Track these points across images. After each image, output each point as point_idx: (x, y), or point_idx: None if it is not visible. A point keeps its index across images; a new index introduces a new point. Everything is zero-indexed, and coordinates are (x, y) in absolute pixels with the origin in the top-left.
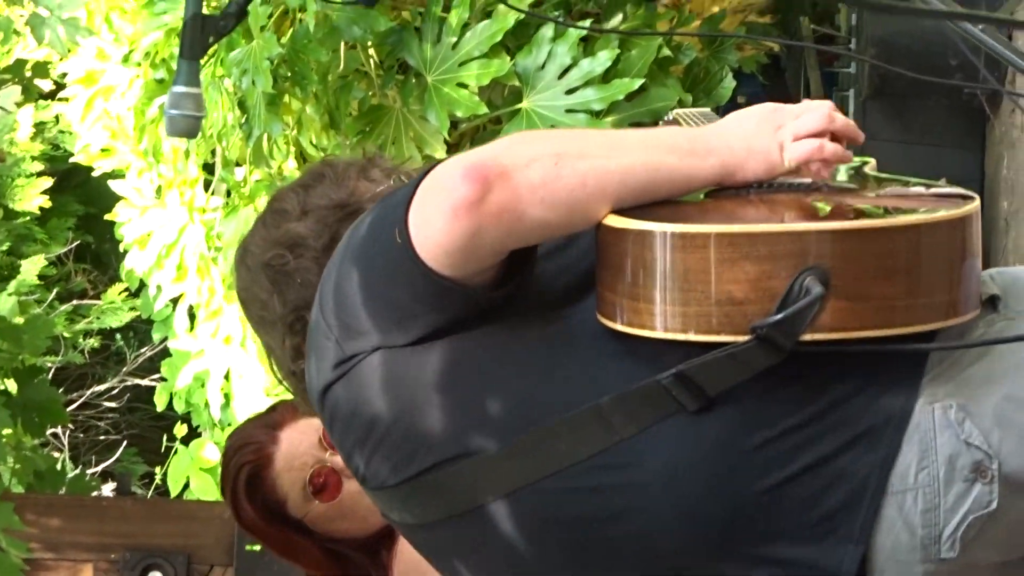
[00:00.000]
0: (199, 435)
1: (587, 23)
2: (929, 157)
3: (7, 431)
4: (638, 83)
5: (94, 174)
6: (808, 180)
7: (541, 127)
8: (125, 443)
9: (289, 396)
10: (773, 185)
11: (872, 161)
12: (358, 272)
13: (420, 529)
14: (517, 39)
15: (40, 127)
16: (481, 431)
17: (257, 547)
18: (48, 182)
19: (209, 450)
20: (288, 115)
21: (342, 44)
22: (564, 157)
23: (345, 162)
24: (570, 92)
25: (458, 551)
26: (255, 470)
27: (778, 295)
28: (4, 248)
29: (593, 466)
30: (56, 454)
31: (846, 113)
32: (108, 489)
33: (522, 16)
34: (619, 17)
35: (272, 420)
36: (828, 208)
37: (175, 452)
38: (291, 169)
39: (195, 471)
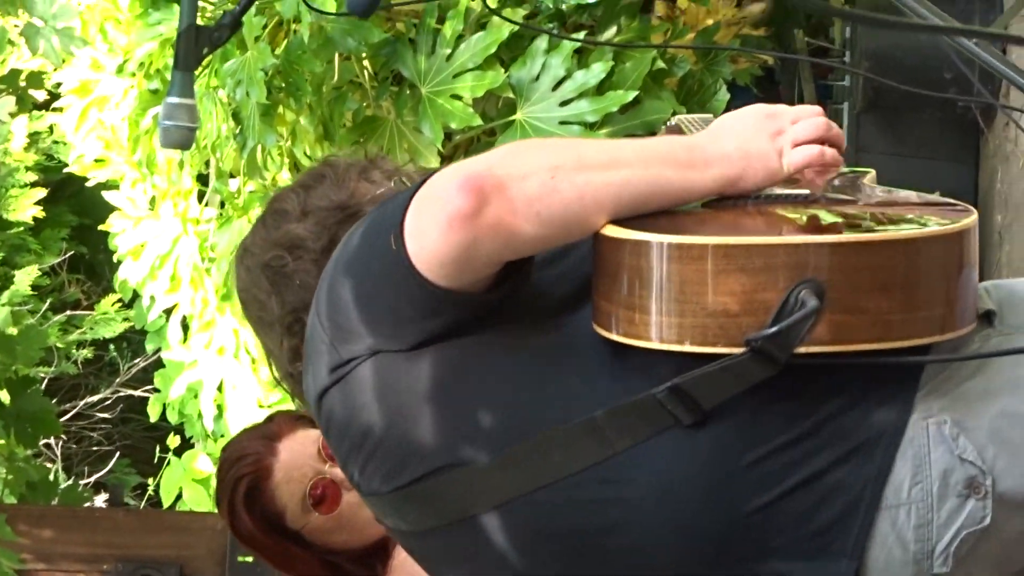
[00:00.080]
0: (192, 446)
1: (581, 35)
2: (923, 170)
3: (0, 442)
4: (632, 95)
5: (88, 184)
6: (806, 191)
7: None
8: (118, 454)
9: (284, 406)
10: (771, 196)
11: (872, 172)
12: (352, 280)
13: (413, 536)
14: (511, 51)
15: (34, 137)
16: (474, 442)
17: (249, 558)
18: (42, 192)
19: (202, 461)
20: (282, 126)
21: (336, 55)
22: (561, 169)
23: (346, 163)
24: (564, 104)
25: (451, 560)
26: (254, 481)
27: (773, 308)
28: None
29: (587, 479)
30: (49, 465)
31: (840, 126)
32: (101, 500)
33: (516, 28)
34: (613, 29)
35: (270, 431)
36: (826, 219)
37: (168, 463)
38: (285, 180)
39: (188, 482)
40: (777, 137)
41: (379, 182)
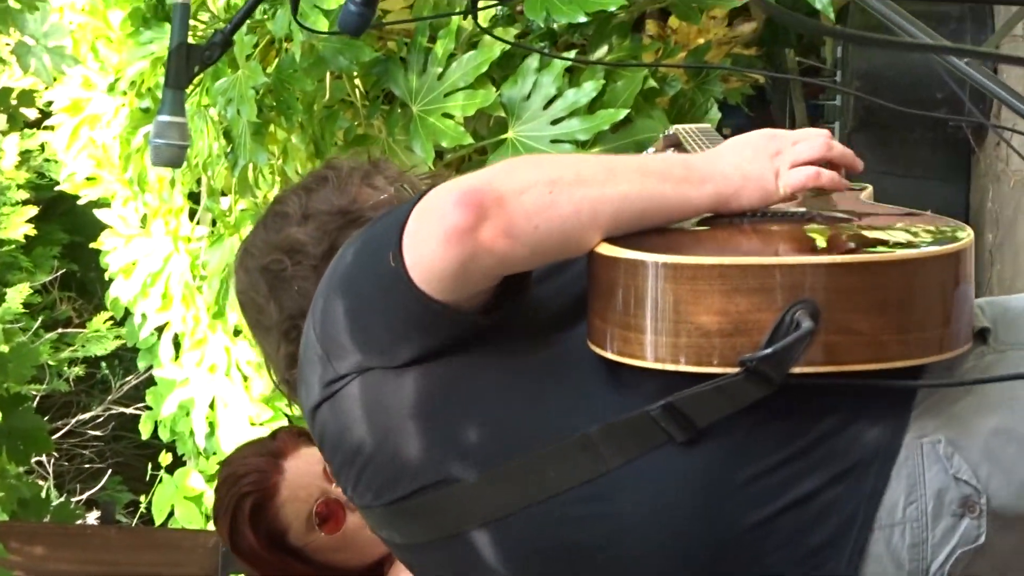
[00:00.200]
0: (184, 464)
1: (572, 54)
2: (914, 189)
3: None
4: (623, 114)
5: (79, 202)
6: (803, 209)
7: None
8: (110, 471)
9: (276, 424)
10: (768, 214)
11: (869, 188)
12: (345, 297)
13: (407, 549)
14: (503, 70)
15: (25, 155)
16: (466, 458)
17: None
18: (33, 210)
19: (194, 479)
20: (274, 144)
21: (328, 74)
22: (559, 184)
23: (349, 166)
24: (555, 122)
25: (445, 573)
26: (259, 499)
27: (768, 328)
28: None
29: (580, 495)
30: (41, 482)
31: None
32: (93, 517)
33: (508, 47)
34: (604, 48)
35: (275, 448)
36: (822, 239)
37: (160, 481)
38: None
39: (180, 500)
40: (775, 157)
41: (381, 188)
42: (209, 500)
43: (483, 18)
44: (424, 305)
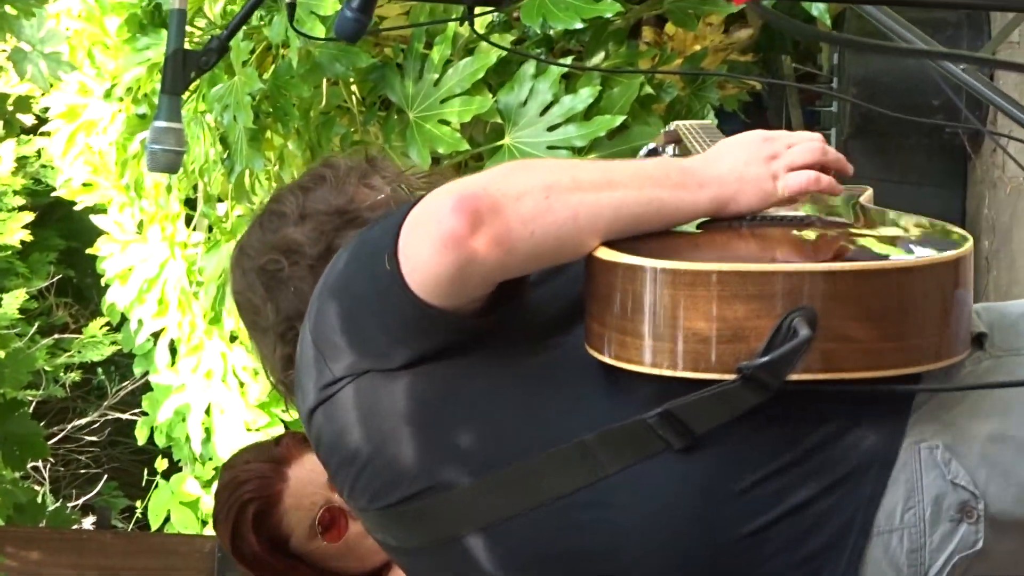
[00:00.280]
0: (180, 469)
1: (569, 60)
2: (910, 196)
3: None
4: (620, 120)
5: (76, 208)
6: (801, 213)
7: None
8: (106, 477)
9: (273, 430)
10: (765, 218)
11: (869, 190)
12: (340, 301)
13: (402, 552)
14: (499, 76)
15: (22, 161)
16: (463, 464)
17: None
18: (30, 216)
19: (190, 484)
20: (270, 151)
21: (324, 80)
22: (555, 190)
23: (347, 165)
24: (552, 129)
25: None
26: (263, 506)
27: (766, 334)
28: None
29: (576, 502)
30: (37, 487)
31: None
32: (88, 523)
33: (504, 53)
34: (601, 55)
35: (279, 455)
36: (820, 245)
37: (156, 486)
38: None
39: (176, 505)
40: (773, 161)
41: (379, 188)
42: (205, 505)
43: (479, 24)
44: (420, 310)
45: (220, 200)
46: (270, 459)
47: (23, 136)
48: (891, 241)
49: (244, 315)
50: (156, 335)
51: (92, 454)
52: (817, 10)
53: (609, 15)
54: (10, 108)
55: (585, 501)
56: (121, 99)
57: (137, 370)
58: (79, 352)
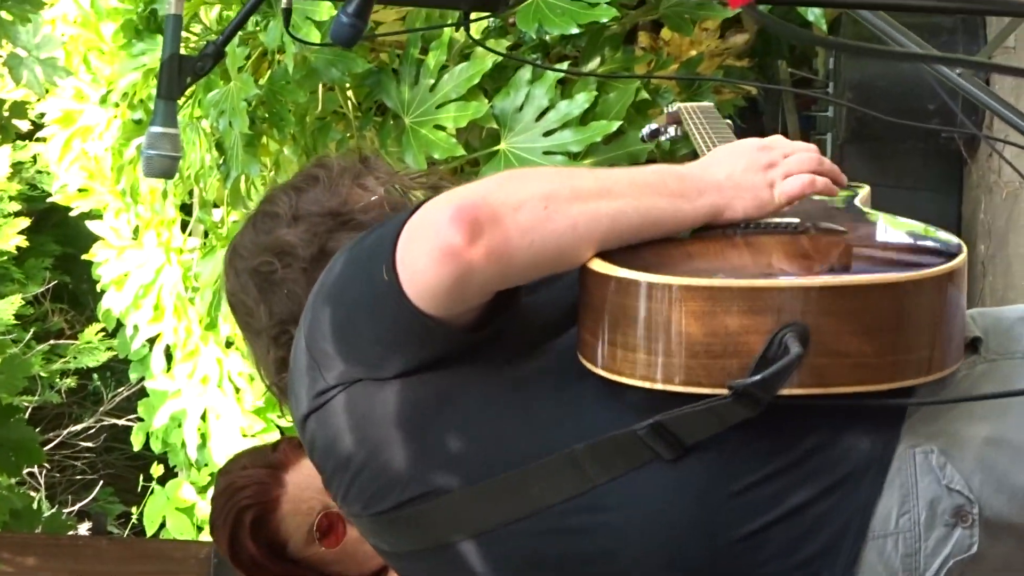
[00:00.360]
0: (175, 475)
1: (565, 66)
2: (906, 201)
3: None
4: (616, 125)
5: (72, 214)
6: (796, 220)
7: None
8: (101, 483)
9: (268, 436)
10: (760, 225)
11: (866, 188)
12: (335, 308)
13: (395, 557)
14: (495, 81)
15: (18, 167)
16: (454, 472)
17: None
18: (25, 222)
19: (186, 490)
20: (266, 156)
21: (320, 86)
22: (554, 199)
23: (340, 166)
24: (548, 134)
25: None
26: (261, 512)
27: (757, 350)
28: None
29: (568, 510)
30: (32, 493)
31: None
32: (84, 528)
33: (500, 59)
34: (597, 60)
35: (276, 460)
36: (814, 257)
37: (151, 492)
38: None
39: (171, 511)
40: (769, 170)
41: (372, 189)
42: (201, 511)
43: (475, 30)
44: (417, 320)
45: (216, 205)
46: (267, 465)
47: (19, 141)
48: (885, 251)
49: (238, 316)
50: (152, 341)
51: (88, 460)
52: (813, 15)
53: (605, 20)
54: (6, 113)
55: (576, 508)
56: (117, 104)
57: (133, 376)
58: (75, 358)
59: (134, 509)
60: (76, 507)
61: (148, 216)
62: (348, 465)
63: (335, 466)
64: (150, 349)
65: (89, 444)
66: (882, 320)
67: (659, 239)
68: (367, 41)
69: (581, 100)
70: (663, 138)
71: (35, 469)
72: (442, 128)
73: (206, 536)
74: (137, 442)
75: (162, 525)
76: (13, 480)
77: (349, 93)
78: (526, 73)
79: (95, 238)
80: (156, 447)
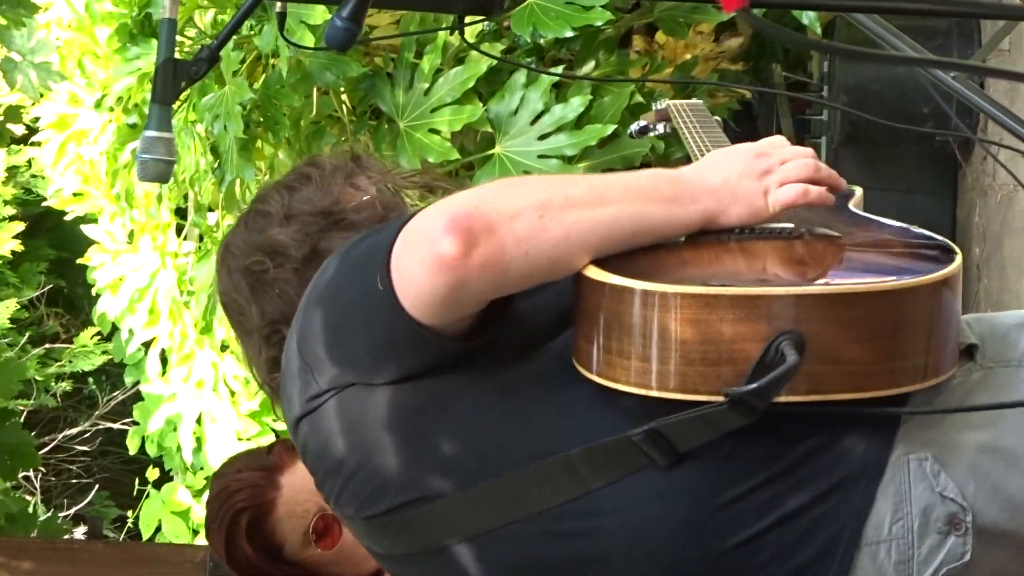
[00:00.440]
0: (171, 479)
1: (559, 69)
2: (901, 204)
3: None
4: (610, 129)
5: (66, 218)
6: (790, 226)
7: (514, 173)
8: (97, 486)
9: (264, 439)
10: (755, 230)
11: (859, 191)
12: (327, 314)
13: (388, 559)
14: (489, 85)
15: (12, 171)
16: (447, 476)
17: None
18: (20, 226)
19: (181, 494)
20: (260, 160)
21: (314, 90)
22: (549, 208)
23: (332, 165)
24: (542, 138)
25: None
26: (257, 515)
27: (753, 357)
28: None
29: (563, 514)
30: (28, 497)
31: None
32: (80, 532)
33: (494, 62)
34: (592, 64)
35: (270, 463)
36: (809, 264)
37: (147, 496)
38: None
39: (167, 515)
40: (765, 177)
41: (364, 188)
42: (196, 515)
43: (470, 33)
44: (411, 328)
45: (211, 209)
46: (262, 467)
47: (13, 146)
48: (880, 256)
49: (230, 315)
50: (147, 344)
51: (83, 464)
52: (807, 18)
53: (599, 24)
54: (0, 118)
55: (573, 512)
56: (112, 109)
57: (128, 380)
58: (70, 362)
59: (130, 513)
60: (72, 511)
61: (143, 220)
62: (340, 469)
63: (327, 470)
64: (145, 353)
65: (85, 448)
66: (878, 327)
67: (654, 244)
68: (362, 45)
69: (576, 104)
70: (652, 134)
71: (30, 473)
72: (437, 132)
73: (202, 540)
74: (133, 446)
75: (158, 529)
76: (8, 484)
77: (344, 97)
78: (521, 77)
79: (90, 242)
80: (152, 451)
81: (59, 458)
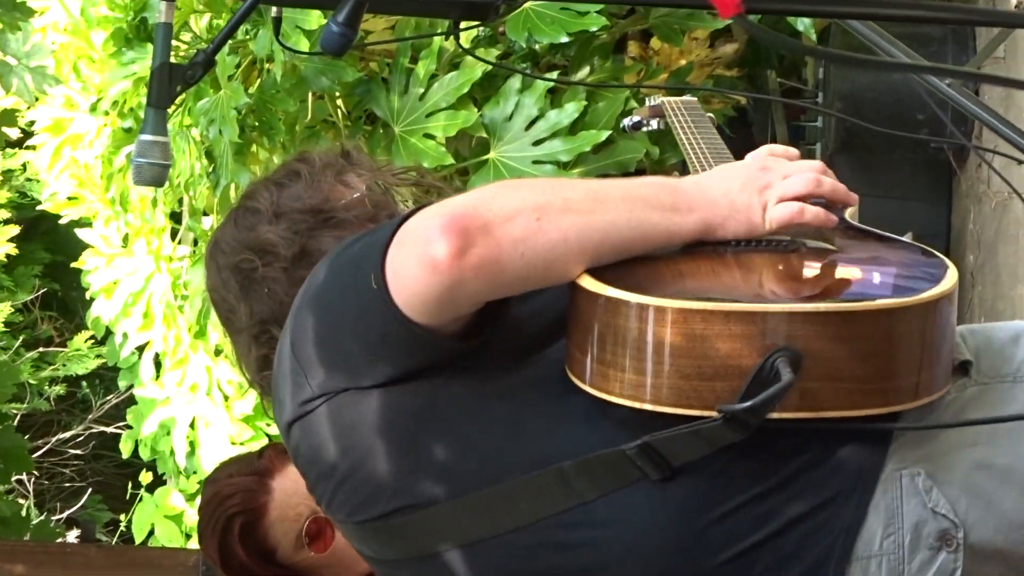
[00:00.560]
0: (164, 483)
1: (554, 75)
2: (896, 211)
3: None
4: (605, 135)
5: (61, 222)
6: (787, 238)
7: (508, 178)
8: (90, 490)
9: (257, 443)
10: (751, 242)
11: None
12: (320, 316)
13: (379, 563)
14: (484, 90)
15: (7, 175)
16: (440, 483)
17: None
18: (15, 230)
19: (174, 498)
20: (255, 164)
21: (310, 94)
22: (546, 212)
23: (322, 161)
24: (537, 143)
25: None
26: (249, 519)
27: (748, 373)
28: None
29: (555, 524)
30: (21, 501)
31: None
32: (73, 536)
33: (489, 68)
34: (586, 69)
35: (262, 467)
36: (805, 279)
37: (140, 499)
38: None
39: (160, 518)
40: (764, 191)
41: (354, 186)
42: (189, 519)
43: (465, 39)
44: (405, 327)
45: (206, 214)
46: (253, 472)
47: (8, 149)
48: (875, 272)
49: (219, 312)
50: (141, 348)
51: (76, 467)
52: (802, 25)
53: (594, 29)
54: None
55: (566, 523)
56: (107, 113)
57: (122, 383)
58: (64, 365)
59: (123, 517)
60: (65, 514)
61: (138, 224)
62: (333, 474)
63: (319, 474)
64: (139, 357)
65: (78, 451)
66: (872, 347)
67: (650, 255)
68: (357, 50)
69: (570, 109)
70: (645, 129)
71: (24, 476)
72: (431, 137)
73: (194, 544)
74: (126, 450)
75: (150, 533)
76: (2, 487)
77: (339, 102)
78: (516, 82)
79: (85, 246)
80: (145, 455)
81: (52, 462)
